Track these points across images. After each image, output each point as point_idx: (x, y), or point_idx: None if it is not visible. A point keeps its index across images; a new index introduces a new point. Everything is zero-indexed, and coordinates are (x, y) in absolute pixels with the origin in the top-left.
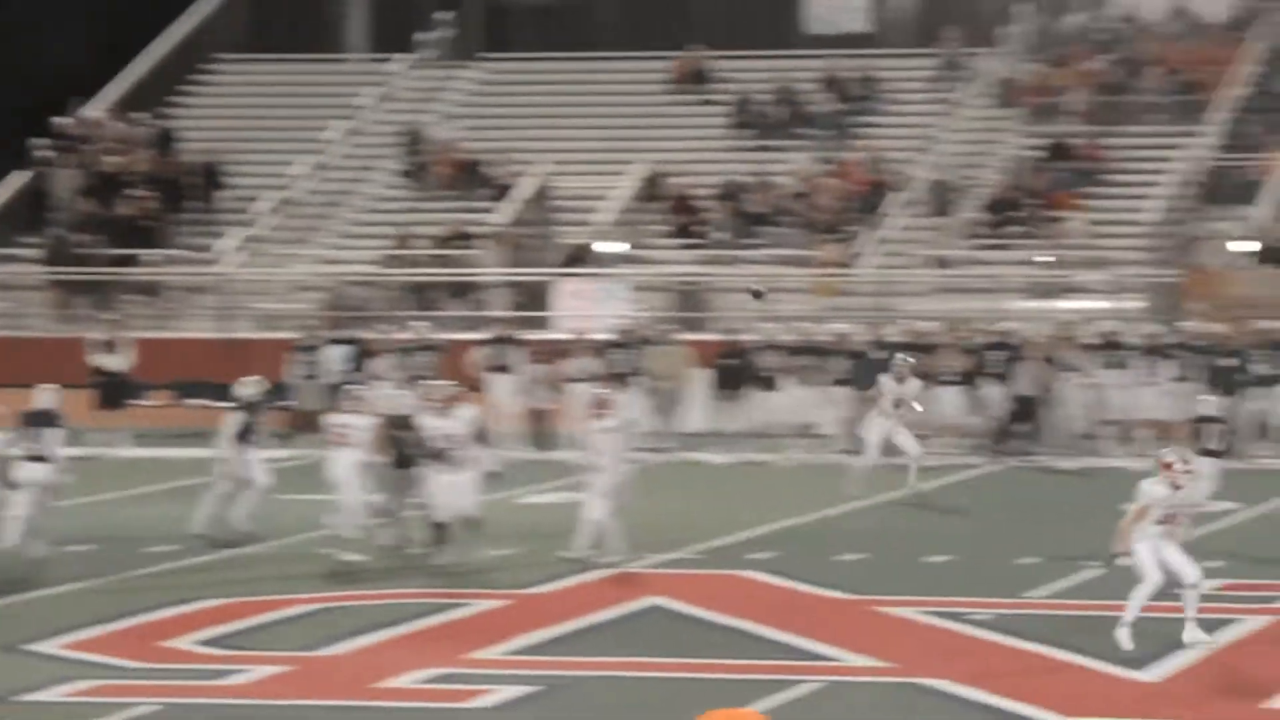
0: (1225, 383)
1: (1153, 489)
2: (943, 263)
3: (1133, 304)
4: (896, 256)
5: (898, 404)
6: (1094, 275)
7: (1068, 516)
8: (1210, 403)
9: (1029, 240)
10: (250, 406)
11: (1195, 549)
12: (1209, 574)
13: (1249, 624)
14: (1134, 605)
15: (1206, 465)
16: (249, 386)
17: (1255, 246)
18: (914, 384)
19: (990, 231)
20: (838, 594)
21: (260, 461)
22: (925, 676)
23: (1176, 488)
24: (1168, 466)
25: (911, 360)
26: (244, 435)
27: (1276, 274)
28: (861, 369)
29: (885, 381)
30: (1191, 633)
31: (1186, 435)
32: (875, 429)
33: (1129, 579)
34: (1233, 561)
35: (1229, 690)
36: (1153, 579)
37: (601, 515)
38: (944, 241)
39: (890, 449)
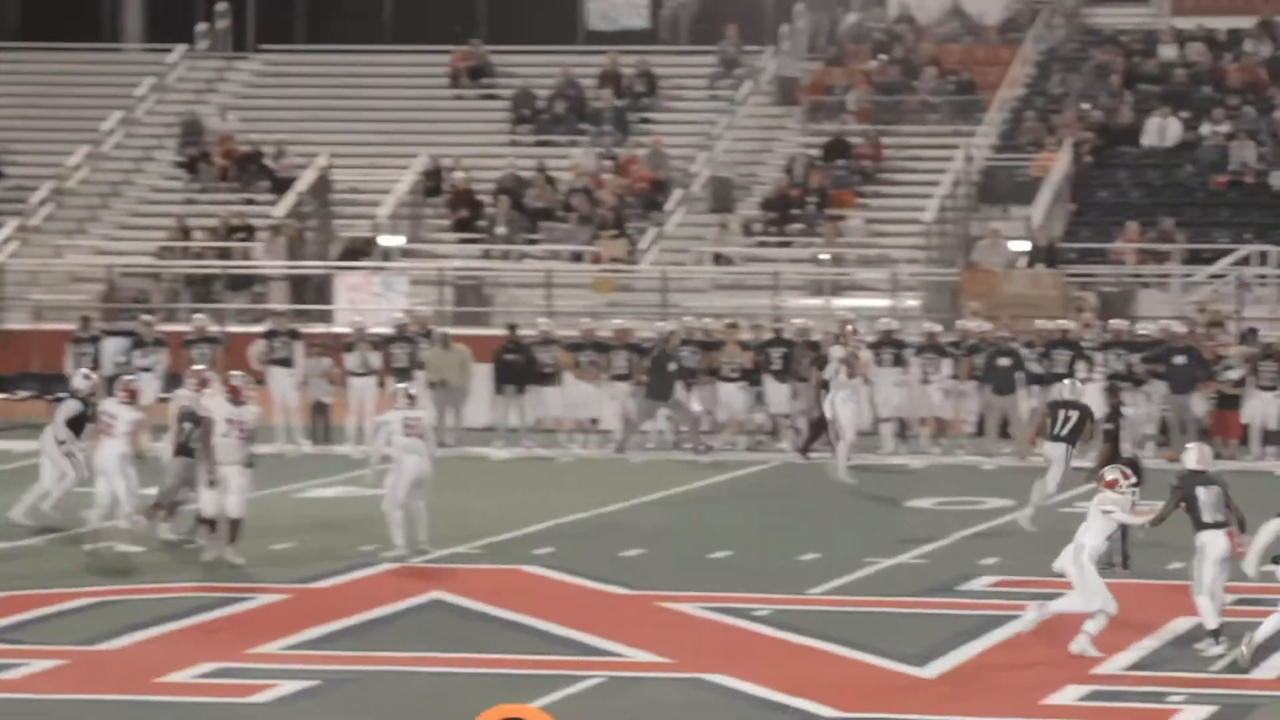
0: (1001, 381)
1: (1119, 498)
2: (723, 259)
3: (910, 302)
4: (677, 253)
5: (850, 371)
6: (872, 273)
7: (849, 513)
8: (1065, 388)
9: (808, 238)
10: (86, 399)
11: (970, 547)
12: (984, 571)
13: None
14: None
15: (1058, 451)
16: (90, 380)
17: (1029, 246)
18: (864, 349)
19: (770, 229)
20: (619, 589)
21: (77, 455)
22: (706, 672)
23: None
24: (1111, 484)
25: (854, 322)
26: (75, 425)
27: (1051, 273)
28: (646, 364)
29: (833, 351)
30: (1084, 645)
31: (1039, 422)
32: (841, 405)
33: (908, 576)
34: (1006, 559)
35: (1006, 686)
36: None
37: (390, 509)
38: (724, 238)
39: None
